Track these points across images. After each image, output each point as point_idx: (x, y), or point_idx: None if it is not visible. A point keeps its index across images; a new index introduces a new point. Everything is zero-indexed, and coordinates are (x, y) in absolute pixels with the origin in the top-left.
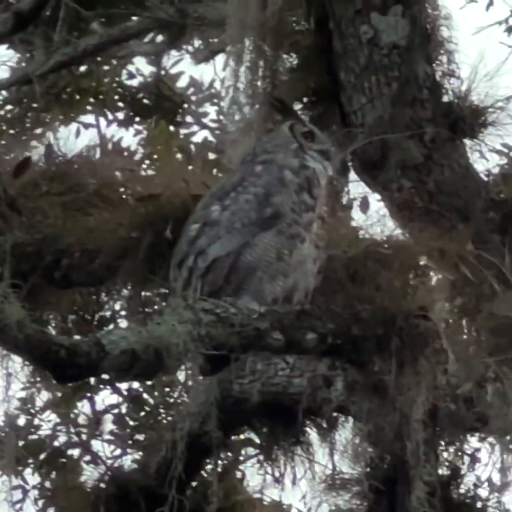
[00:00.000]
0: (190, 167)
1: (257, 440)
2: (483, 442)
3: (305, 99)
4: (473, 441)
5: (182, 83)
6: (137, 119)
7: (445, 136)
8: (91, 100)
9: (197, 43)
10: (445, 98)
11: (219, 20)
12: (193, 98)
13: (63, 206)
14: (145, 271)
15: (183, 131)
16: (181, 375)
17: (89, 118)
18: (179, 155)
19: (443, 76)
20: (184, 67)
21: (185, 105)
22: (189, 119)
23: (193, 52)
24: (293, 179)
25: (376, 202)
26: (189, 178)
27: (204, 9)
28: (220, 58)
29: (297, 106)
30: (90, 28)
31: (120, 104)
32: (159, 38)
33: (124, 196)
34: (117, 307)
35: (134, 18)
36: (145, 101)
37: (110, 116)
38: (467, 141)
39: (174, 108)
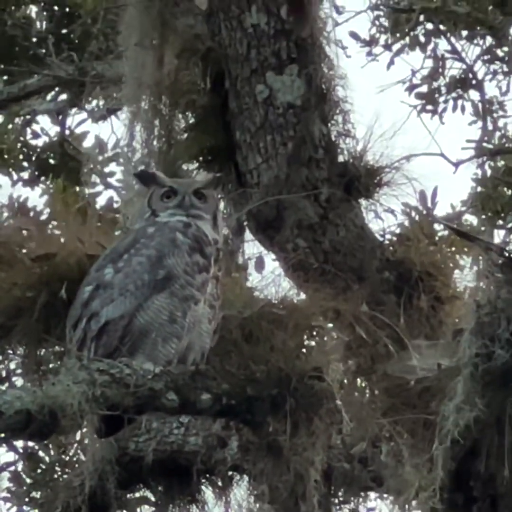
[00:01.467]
0: (87, 227)
1: (153, 498)
2: (377, 501)
3: (200, 158)
4: (368, 501)
5: (88, 143)
6: (42, 178)
7: (340, 196)
8: None
9: (96, 101)
10: (341, 158)
11: (117, 78)
12: (99, 158)
13: None
14: (40, 330)
15: (88, 191)
16: (77, 434)
17: None
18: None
19: (338, 136)
20: (89, 127)
21: (91, 166)
22: (94, 179)
23: (91, 110)
24: (184, 240)
25: (271, 262)
26: (84, 238)
27: (102, 67)
28: (118, 117)
29: (193, 165)
30: None
31: (25, 163)
32: (62, 96)
33: (19, 256)
34: (12, 366)
35: (35, 76)
36: (50, 160)
37: (15, 176)
38: (362, 201)
39: (79, 168)
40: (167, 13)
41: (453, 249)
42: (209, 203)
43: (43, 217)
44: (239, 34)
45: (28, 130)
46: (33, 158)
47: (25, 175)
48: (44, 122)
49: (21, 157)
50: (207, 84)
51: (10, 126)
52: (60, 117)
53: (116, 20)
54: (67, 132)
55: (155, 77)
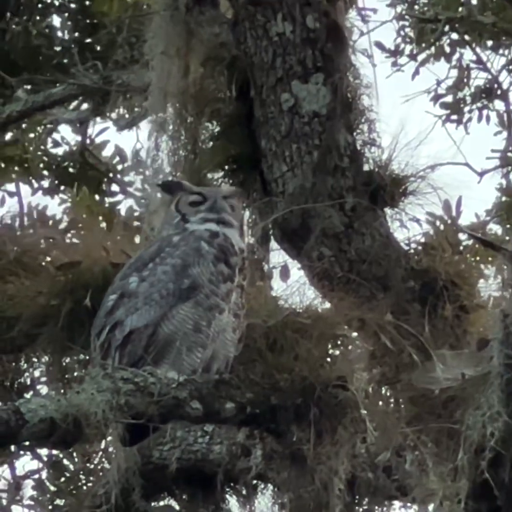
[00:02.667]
0: (111, 236)
1: (177, 507)
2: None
3: (226, 167)
4: (392, 510)
5: (107, 152)
6: (62, 187)
7: (365, 205)
8: (16, 168)
9: (120, 110)
10: (366, 167)
11: (143, 87)
12: (119, 167)
13: None
14: (64, 338)
15: (108, 199)
16: (102, 443)
17: (13, 187)
18: (103, 224)
19: (363, 145)
20: (109, 136)
21: (111, 174)
22: (114, 188)
23: (116, 119)
24: (210, 250)
25: (296, 270)
26: (109, 246)
27: (128, 76)
28: (143, 125)
29: (218, 174)
30: (15, 95)
31: (45, 172)
32: (84, 105)
33: (44, 264)
34: (36, 374)
35: (59, 85)
36: (70, 169)
37: (36, 185)
38: (387, 210)
39: (99, 177)
40: (192, 22)
41: (478, 258)
42: (236, 212)
43: (62, 225)
44: (265, 43)
45: (49, 139)
46: (54, 167)
47: (45, 183)
48: (64, 131)
49: (41, 165)
50: (232, 93)
51: (31, 134)
52: (81, 126)
53: (141, 29)
54: (87, 141)
55: (181, 85)
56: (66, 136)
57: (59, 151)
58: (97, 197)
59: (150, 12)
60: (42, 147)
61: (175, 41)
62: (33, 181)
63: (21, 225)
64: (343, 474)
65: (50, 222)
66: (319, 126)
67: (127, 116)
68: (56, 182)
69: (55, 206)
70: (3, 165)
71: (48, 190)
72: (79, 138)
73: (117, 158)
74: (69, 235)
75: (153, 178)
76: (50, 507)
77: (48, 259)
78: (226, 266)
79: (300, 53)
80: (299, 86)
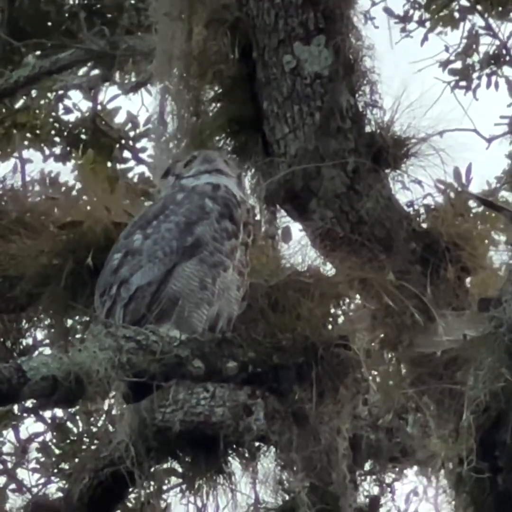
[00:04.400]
0: (114, 196)
1: (180, 470)
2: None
3: (228, 129)
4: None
5: (120, 118)
6: (74, 154)
7: (367, 167)
8: (28, 135)
9: (128, 75)
10: (368, 129)
11: (148, 52)
12: (131, 133)
13: None
14: (66, 298)
15: (120, 166)
16: (105, 404)
17: (25, 153)
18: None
19: (366, 107)
20: (121, 103)
21: (123, 141)
22: (126, 154)
23: (121, 83)
24: (214, 207)
25: (298, 231)
26: (111, 206)
27: (134, 40)
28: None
29: (220, 135)
30: (24, 61)
31: (57, 139)
32: (94, 71)
33: (46, 224)
34: (39, 335)
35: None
36: (82, 136)
37: (47, 151)
38: (389, 172)
39: (110, 143)
40: None
41: (488, 226)
42: (230, 166)
43: (74, 192)
44: (267, 4)
45: (60, 106)
46: (65, 134)
47: (57, 150)
48: (76, 97)
49: (52, 132)
50: (235, 54)
51: (42, 101)
52: (92, 92)
53: None
54: (98, 107)
55: (185, 48)
56: (77, 102)
57: (71, 117)
58: (109, 164)
59: None
60: (53, 113)
61: (178, 3)
62: (45, 147)
63: (23, 186)
64: (346, 433)
65: (63, 189)
66: (321, 88)
67: (133, 79)
68: (68, 148)
69: (68, 173)
70: (15, 132)
71: (60, 157)
72: (90, 104)
73: (129, 125)
74: (72, 195)
75: (159, 142)
76: (54, 470)
77: (50, 218)
78: (230, 222)
79: (302, 15)
80: (301, 47)
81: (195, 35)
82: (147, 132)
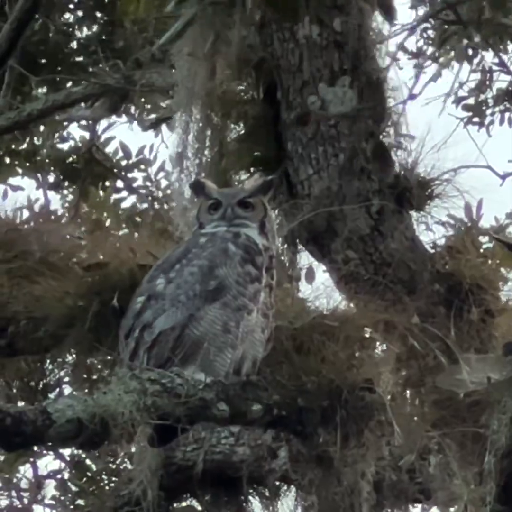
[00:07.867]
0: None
1: (199, 508)
2: None
3: (252, 169)
4: None
5: (111, 148)
6: (66, 183)
7: (391, 208)
8: (23, 162)
9: (141, 110)
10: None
11: (167, 87)
12: (123, 163)
13: (9, 274)
14: (91, 339)
15: (113, 196)
16: (130, 447)
17: (17, 181)
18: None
19: (390, 148)
20: (114, 132)
21: (115, 170)
22: (119, 184)
23: (140, 118)
24: (236, 251)
25: (322, 273)
26: (136, 247)
27: (151, 75)
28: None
29: (244, 176)
30: (34, 93)
31: (51, 167)
32: (99, 104)
33: (71, 265)
34: (61, 374)
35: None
36: (75, 165)
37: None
38: (413, 213)
39: (104, 173)
40: (219, 24)
41: (498, 261)
42: (256, 211)
43: (63, 221)
44: (292, 45)
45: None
46: (59, 162)
47: (51, 178)
48: (71, 126)
49: (47, 160)
50: (259, 95)
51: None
52: (92, 123)
53: (165, 29)
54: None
55: (207, 86)
56: (72, 131)
57: (65, 146)
58: (101, 193)
59: (177, 13)
60: (49, 142)
61: (202, 42)
62: (39, 176)
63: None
64: (370, 476)
65: (52, 217)
66: (346, 129)
67: (152, 116)
68: (61, 177)
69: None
70: (8, 160)
71: (53, 185)
72: (84, 133)
73: (121, 154)
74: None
75: (178, 177)
76: (71, 507)
77: (74, 260)
78: (253, 266)
79: (326, 56)
80: (325, 88)
81: (218, 74)
82: (140, 163)
